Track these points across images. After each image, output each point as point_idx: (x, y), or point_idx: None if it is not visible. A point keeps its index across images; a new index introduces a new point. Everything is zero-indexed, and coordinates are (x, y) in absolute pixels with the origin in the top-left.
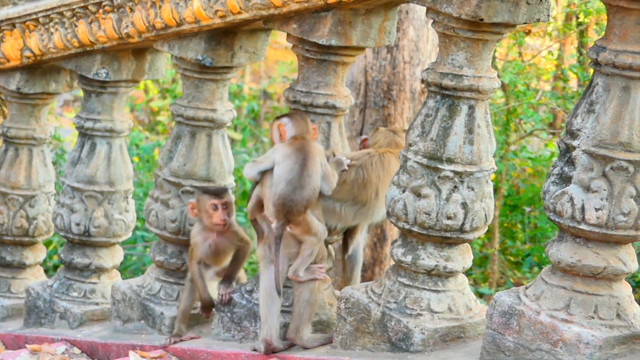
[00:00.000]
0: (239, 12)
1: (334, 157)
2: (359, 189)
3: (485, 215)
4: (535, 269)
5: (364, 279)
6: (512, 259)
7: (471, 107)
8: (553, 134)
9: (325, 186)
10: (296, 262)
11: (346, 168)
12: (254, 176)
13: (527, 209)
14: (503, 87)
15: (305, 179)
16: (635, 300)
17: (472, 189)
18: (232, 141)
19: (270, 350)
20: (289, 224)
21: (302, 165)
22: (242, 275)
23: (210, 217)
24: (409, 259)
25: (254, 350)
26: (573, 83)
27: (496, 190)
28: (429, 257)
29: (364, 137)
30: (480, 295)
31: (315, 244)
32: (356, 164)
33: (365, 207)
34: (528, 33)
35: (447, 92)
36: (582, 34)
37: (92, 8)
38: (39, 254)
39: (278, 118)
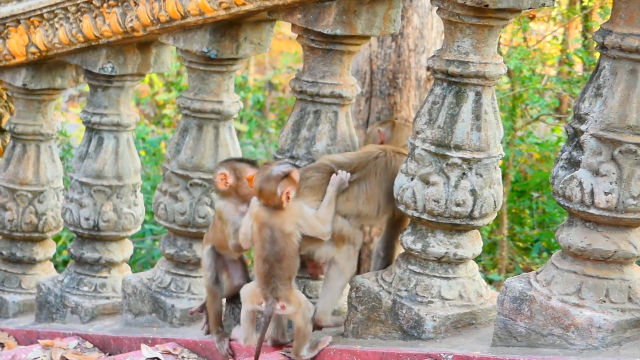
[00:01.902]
0: (243, 4)
1: (334, 177)
2: (363, 204)
3: (494, 201)
4: (544, 254)
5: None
6: (520, 244)
7: (478, 94)
8: (559, 118)
9: (319, 235)
10: (294, 345)
11: (346, 185)
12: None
13: (535, 195)
14: (508, 72)
15: (280, 254)
16: None
17: (481, 176)
18: (239, 133)
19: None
20: (277, 301)
21: (272, 243)
22: None
23: (250, 187)
24: (418, 246)
25: None
26: (578, 67)
27: (504, 176)
28: (439, 245)
29: (380, 128)
30: (489, 282)
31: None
32: (359, 176)
33: (372, 218)
34: (532, 18)
35: (453, 79)
36: (586, 18)
37: (96, 2)
38: (48, 249)
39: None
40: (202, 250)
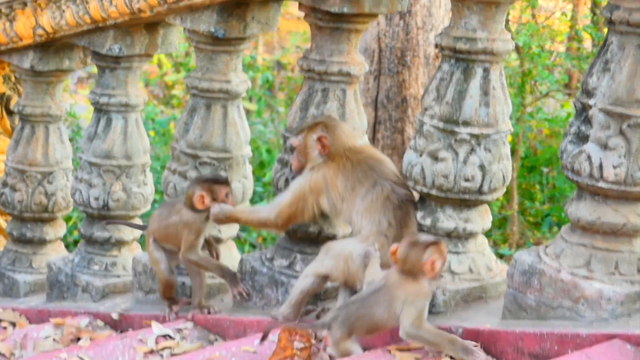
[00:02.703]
0: None
1: None
2: None
3: (503, 176)
4: (555, 228)
5: None
6: (531, 219)
7: (486, 70)
8: (569, 94)
9: None
10: None
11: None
12: None
13: (545, 170)
14: (517, 49)
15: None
16: None
17: (490, 151)
18: (248, 112)
19: None
20: None
21: None
22: None
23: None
24: (428, 221)
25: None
26: (587, 43)
27: (514, 152)
28: (448, 220)
29: (318, 135)
30: (500, 256)
31: None
32: None
33: None
34: None
35: (461, 56)
36: None
37: None
38: (59, 229)
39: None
40: (147, 244)
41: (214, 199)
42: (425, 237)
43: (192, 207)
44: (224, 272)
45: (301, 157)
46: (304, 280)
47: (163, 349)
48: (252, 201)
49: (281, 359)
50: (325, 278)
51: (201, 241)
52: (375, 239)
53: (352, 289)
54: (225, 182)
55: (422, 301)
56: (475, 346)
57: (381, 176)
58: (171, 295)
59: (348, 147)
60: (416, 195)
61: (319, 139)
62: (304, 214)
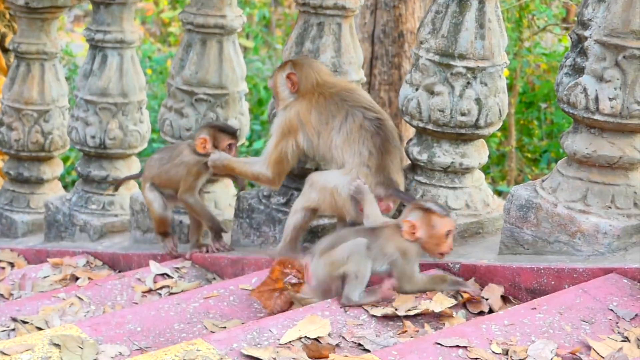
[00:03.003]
0: None
1: None
2: None
3: (500, 110)
4: (553, 164)
5: None
6: (529, 155)
7: (481, 2)
8: (567, 28)
9: None
10: None
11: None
12: None
13: (543, 105)
14: None
15: None
16: None
17: (485, 84)
18: (245, 49)
19: None
20: None
21: None
22: None
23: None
24: (424, 157)
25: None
26: None
27: (511, 87)
28: (445, 155)
29: (287, 73)
30: (499, 193)
31: None
32: None
33: None
34: None
35: None
36: None
37: None
38: (56, 168)
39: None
40: (143, 188)
41: (216, 146)
42: (428, 203)
43: (195, 150)
44: (213, 223)
45: (276, 97)
46: (294, 216)
47: (161, 287)
48: (250, 139)
49: (270, 290)
50: (314, 211)
51: (199, 185)
52: (358, 170)
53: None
54: (232, 133)
55: (412, 260)
56: (467, 279)
57: (352, 105)
58: (166, 230)
59: (320, 82)
60: (412, 131)
61: (288, 77)
62: (288, 157)
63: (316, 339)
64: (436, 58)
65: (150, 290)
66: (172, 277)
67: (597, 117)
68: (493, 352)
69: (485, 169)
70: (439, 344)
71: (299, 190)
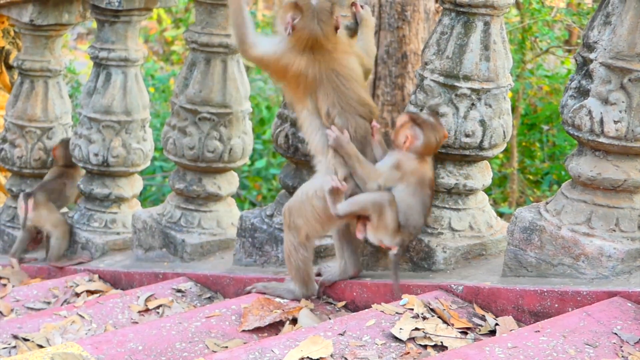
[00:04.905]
0: None
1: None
2: None
3: (504, 131)
4: (555, 187)
5: None
6: (531, 177)
7: (486, 24)
8: (569, 51)
9: None
10: None
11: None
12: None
13: (545, 127)
14: (518, 5)
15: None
16: None
17: (490, 106)
18: (248, 68)
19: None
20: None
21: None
22: None
23: None
24: None
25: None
26: None
27: (514, 109)
28: (449, 176)
29: None
30: (500, 215)
31: None
32: None
33: None
34: None
35: (461, 9)
36: None
37: None
38: None
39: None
40: None
41: None
42: (424, 114)
43: None
44: None
45: None
46: (297, 254)
47: (162, 306)
48: (252, 158)
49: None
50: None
51: None
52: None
53: (348, 241)
54: None
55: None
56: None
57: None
58: None
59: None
60: None
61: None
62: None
63: None
64: (441, 79)
65: (151, 309)
66: (173, 297)
67: (602, 139)
68: None
69: (487, 191)
70: None
71: None
